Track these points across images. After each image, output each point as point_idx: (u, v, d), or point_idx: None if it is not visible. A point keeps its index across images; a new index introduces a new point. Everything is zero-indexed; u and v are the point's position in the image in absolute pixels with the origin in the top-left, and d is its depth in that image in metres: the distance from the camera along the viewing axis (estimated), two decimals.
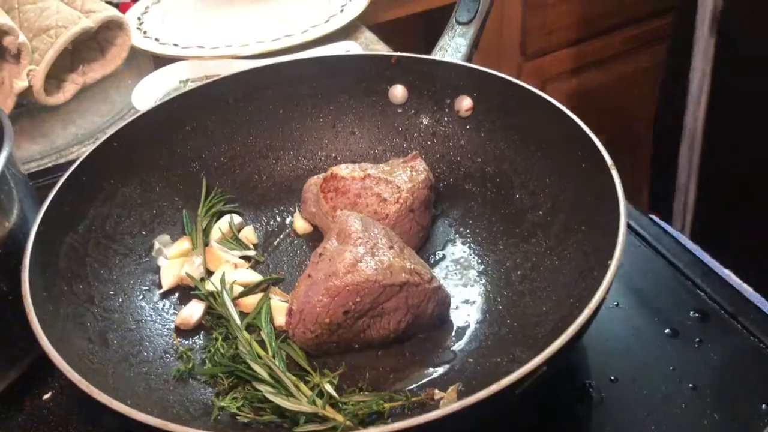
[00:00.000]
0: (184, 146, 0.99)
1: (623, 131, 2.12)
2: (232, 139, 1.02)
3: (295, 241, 0.95)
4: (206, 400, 0.73)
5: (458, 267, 0.88)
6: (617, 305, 0.83)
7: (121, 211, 0.90)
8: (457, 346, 0.78)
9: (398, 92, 1.02)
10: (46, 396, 0.79)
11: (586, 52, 2.15)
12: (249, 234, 0.94)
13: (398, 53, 1.01)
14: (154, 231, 0.93)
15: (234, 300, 0.83)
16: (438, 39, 1.05)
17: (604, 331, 0.80)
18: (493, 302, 0.82)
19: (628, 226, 0.89)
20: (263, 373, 0.72)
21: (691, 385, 0.74)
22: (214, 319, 0.83)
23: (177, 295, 0.87)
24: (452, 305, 0.82)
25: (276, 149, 1.04)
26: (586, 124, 0.83)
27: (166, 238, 0.92)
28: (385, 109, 1.03)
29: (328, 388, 0.71)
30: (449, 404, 0.57)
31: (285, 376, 0.71)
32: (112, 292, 0.83)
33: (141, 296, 0.86)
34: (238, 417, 0.70)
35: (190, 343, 0.81)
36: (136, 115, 0.95)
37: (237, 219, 0.96)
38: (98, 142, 0.89)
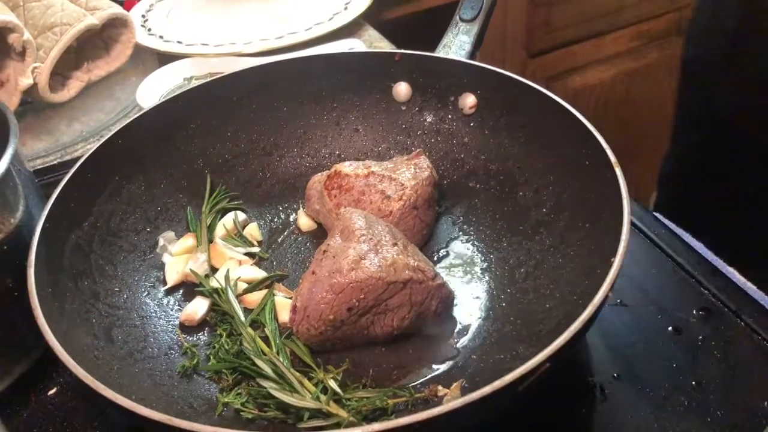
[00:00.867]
0: (188, 144, 0.99)
1: (628, 129, 2.12)
2: (236, 136, 1.02)
3: (299, 238, 0.95)
4: (210, 395, 0.74)
5: (462, 264, 0.88)
6: (621, 303, 0.83)
7: (125, 208, 0.91)
8: (461, 343, 0.78)
9: (402, 90, 1.02)
10: (52, 391, 0.79)
11: (590, 49, 2.15)
12: (253, 231, 0.95)
13: (402, 50, 1.01)
14: (158, 228, 0.93)
15: (238, 296, 0.84)
16: (442, 36, 1.05)
17: (607, 329, 0.80)
18: (496, 299, 0.82)
19: (632, 224, 0.89)
20: (267, 370, 0.72)
21: (694, 382, 0.74)
22: (219, 315, 0.83)
23: (181, 291, 0.87)
24: (455, 302, 0.82)
25: (280, 147, 1.04)
26: (590, 121, 0.83)
27: (170, 234, 0.92)
28: (389, 107, 1.03)
29: (332, 384, 0.71)
30: (453, 401, 0.57)
31: (289, 373, 0.72)
32: (117, 289, 0.84)
33: (146, 293, 0.86)
34: (242, 413, 0.70)
35: (195, 339, 0.82)
36: (141, 113, 0.95)
37: (241, 216, 0.96)
38: (103, 140, 0.90)
